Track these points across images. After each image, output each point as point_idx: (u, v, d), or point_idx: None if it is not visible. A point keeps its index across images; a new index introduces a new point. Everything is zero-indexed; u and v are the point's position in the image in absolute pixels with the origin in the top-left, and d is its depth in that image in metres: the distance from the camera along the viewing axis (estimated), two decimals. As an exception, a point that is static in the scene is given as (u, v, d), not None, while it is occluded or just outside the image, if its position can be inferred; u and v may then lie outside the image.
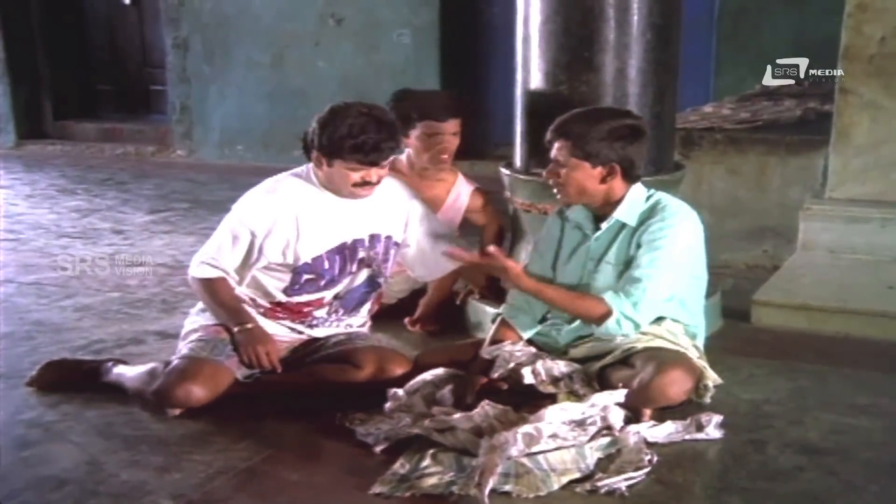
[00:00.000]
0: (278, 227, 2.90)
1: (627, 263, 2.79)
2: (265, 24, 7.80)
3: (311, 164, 2.95)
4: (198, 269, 2.97)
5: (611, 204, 2.83)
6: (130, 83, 9.04)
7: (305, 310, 3.03)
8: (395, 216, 3.07)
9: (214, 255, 2.94)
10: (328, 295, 3.02)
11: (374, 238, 3.02)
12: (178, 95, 8.27)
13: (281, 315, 3.03)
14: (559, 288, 2.85)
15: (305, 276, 2.95)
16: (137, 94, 9.02)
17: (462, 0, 7.47)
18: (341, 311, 3.07)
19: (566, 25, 3.26)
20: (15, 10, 8.73)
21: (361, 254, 3.00)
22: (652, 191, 2.89)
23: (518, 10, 3.41)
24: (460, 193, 3.74)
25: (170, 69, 8.29)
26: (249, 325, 2.91)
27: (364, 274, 3.04)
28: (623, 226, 2.83)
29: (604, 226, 2.85)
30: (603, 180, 2.78)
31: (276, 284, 2.97)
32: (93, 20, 9.02)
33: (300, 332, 3.05)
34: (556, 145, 2.81)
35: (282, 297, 2.99)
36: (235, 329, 2.90)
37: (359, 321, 3.13)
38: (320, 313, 3.05)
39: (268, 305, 3.01)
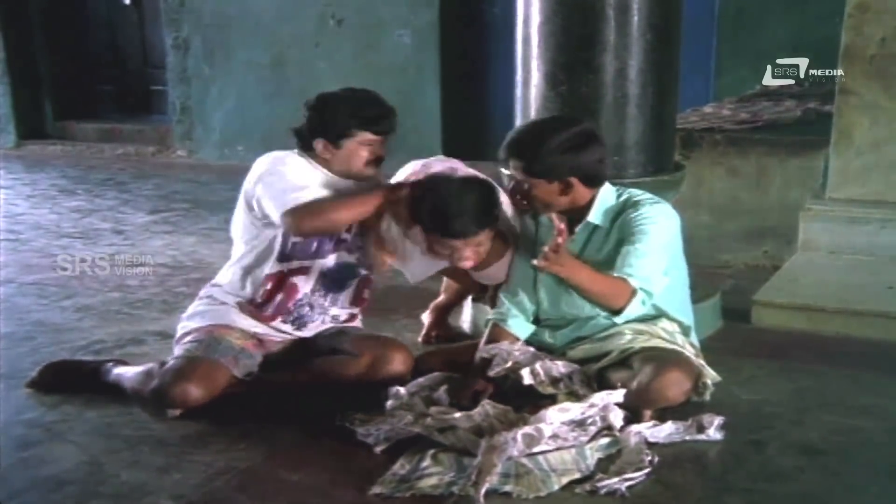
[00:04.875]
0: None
1: (603, 263, 2.78)
2: (265, 24, 7.80)
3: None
4: (290, 214, 2.79)
5: (580, 208, 2.84)
6: (131, 83, 9.04)
7: (294, 293, 2.99)
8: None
9: (290, 196, 2.81)
10: (315, 266, 3.00)
11: (359, 225, 3.01)
12: (179, 96, 8.28)
13: (269, 313, 2.99)
14: (591, 269, 2.74)
15: (293, 239, 2.94)
16: (138, 95, 9.02)
17: (462, 0, 7.48)
18: (326, 296, 3.04)
19: (566, 26, 3.26)
20: (15, 11, 8.73)
21: (345, 235, 3.00)
22: (621, 189, 2.90)
23: (518, 10, 3.41)
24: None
25: (170, 69, 8.29)
26: (377, 190, 2.90)
27: (349, 259, 3.04)
28: (595, 227, 2.84)
29: (577, 229, 2.85)
30: (562, 193, 2.78)
31: (269, 252, 2.95)
32: (93, 20, 9.02)
33: (289, 334, 3.04)
34: (511, 164, 2.83)
35: (275, 267, 2.96)
36: (376, 195, 2.88)
37: (344, 313, 3.11)
38: (305, 296, 3.01)
39: (256, 305, 2.98)
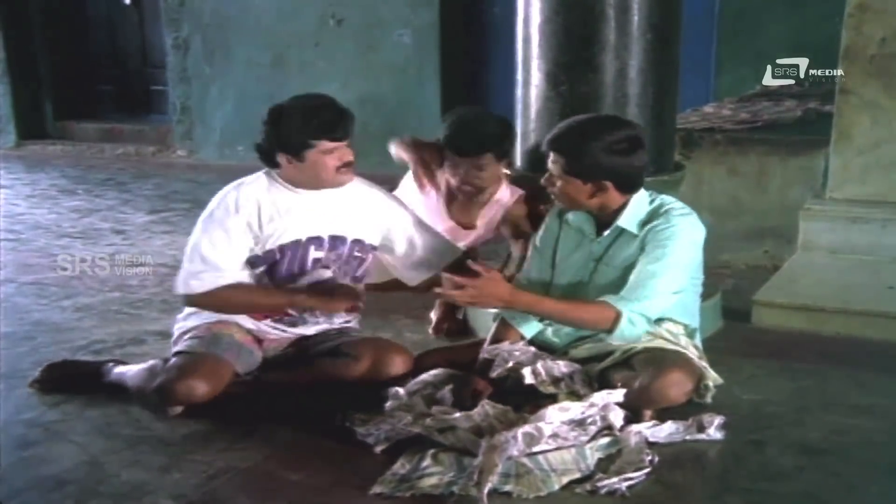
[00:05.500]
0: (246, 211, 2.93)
1: (626, 268, 2.78)
2: (265, 24, 7.81)
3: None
4: (190, 286, 2.87)
5: (610, 212, 2.82)
6: (131, 83, 9.05)
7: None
8: (372, 222, 3.03)
9: (201, 265, 2.87)
10: (301, 284, 2.97)
11: (336, 240, 2.98)
12: (179, 95, 8.29)
13: (259, 314, 2.98)
14: (557, 300, 2.80)
15: (260, 269, 2.92)
16: (138, 95, 9.03)
17: (462, 0, 7.48)
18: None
19: (566, 26, 3.26)
20: (15, 11, 8.74)
21: (318, 254, 2.96)
22: (654, 194, 2.88)
23: (518, 10, 3.41)
24: (500, 201, 3.51)
25: (170, 69, 8.30)
26: (304, 295, 2.92)
27: (325, 274, 2.99)
28: (623, 230, 2.83)
29: (606, 233, 2.85)
30: (593, 195, 2.77)
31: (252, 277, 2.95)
32: (93, 20, 9.04)
33: (283, 331, 3.03)
34: (551, 158, 2.81)
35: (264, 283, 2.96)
36: (296, 302, 2.93)
37: (340, 318, 3.09)
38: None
39: None
